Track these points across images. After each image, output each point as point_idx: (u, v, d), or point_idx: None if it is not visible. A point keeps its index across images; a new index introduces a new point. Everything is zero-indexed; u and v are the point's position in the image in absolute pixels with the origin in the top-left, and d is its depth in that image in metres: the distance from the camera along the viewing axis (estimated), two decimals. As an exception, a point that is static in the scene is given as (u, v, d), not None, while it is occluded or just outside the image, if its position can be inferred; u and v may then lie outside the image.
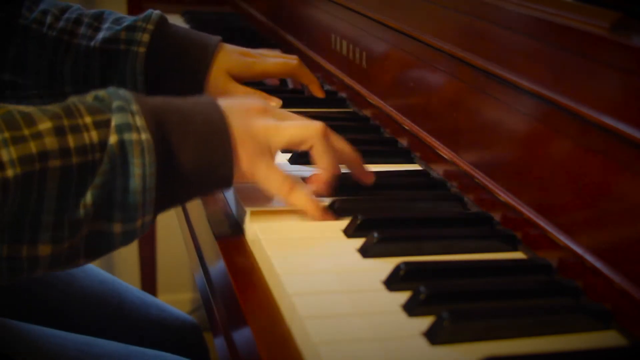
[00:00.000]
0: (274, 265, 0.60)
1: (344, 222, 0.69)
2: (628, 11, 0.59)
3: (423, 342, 0.51)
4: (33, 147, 0.56)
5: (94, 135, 0.59)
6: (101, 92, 0.63)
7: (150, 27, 0.95)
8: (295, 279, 0.58)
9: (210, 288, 0.68)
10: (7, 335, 0.83)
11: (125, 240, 0.63)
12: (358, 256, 0.63)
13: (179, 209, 0.90)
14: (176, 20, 1.63)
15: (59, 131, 0.58)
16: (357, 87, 1.04)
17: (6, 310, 0.92)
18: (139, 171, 0.60)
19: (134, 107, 0.62)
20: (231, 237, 0.70)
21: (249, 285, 0.61)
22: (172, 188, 0.64)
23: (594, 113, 0.58)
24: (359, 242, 0.65)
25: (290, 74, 1.02)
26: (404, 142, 0.91)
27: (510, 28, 0.70)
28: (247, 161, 0.67)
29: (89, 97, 0.63)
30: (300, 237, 0.67)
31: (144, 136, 0.60)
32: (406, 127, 0.89)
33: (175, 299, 1.93)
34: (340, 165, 0.73)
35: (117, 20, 0.97)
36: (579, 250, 0.59)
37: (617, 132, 0.56)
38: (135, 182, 0.60)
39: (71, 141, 0.58)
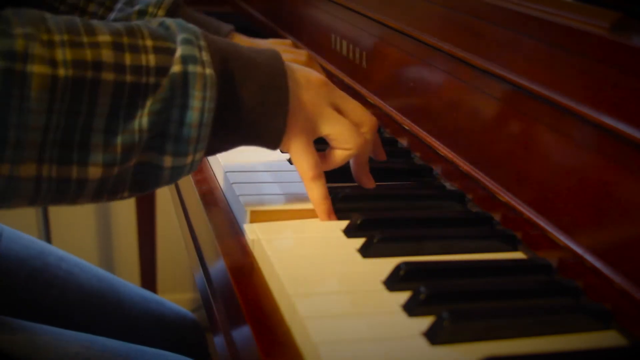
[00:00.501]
0: (274, 265, 0.60)
1: (344, 222, 0.69)
2: (628, 11, 0.59)
3: (423, 342, 0.51)
4: (89, 54, 0.56)
5: (152, 59, 0.59)
6: (169, 21, 0.63)
7: (161, 13, 0.95)
8: (295, 279, 0.58)
9: (210, 288, 0.68)
10: (6, 333, 0.83)
11: (173, 176, 0.62)
12: (358, 256, 0.63)
13: (179, 208, 0.90)
14: (176, 20, 1.62)
15: (117, 46, 0.57)
16: (357, 87, 1.04)
17: (5, 308, 0.92)
18: (199, 104, 0.60)
19: (202, 42, 0.61)
20: (231, 237, 0.70)
21: (248, 285, 0.61)
22: (226, 129, 0.64)
23: (593, 113, 0.58)
24: (359, 242, 0.65)
25: None
26: (404, 142, 0.91)
27: (511, 28, 0.70)
28: (290, 131, 0.67)
29: (155, 23, 0.63)
30: (301, 237, 0.67)
31: (208, 71, 0.60)
32: (406, 127, 0.89)
33: (175, 298, 1.92)
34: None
35: (130, 2, 0.96)
36: (579, 250, 0.59)
37: (617, 132, 0.56)
38: (194, 114, 0.60)
39: (128, 59, 0.58)
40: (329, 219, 0.70)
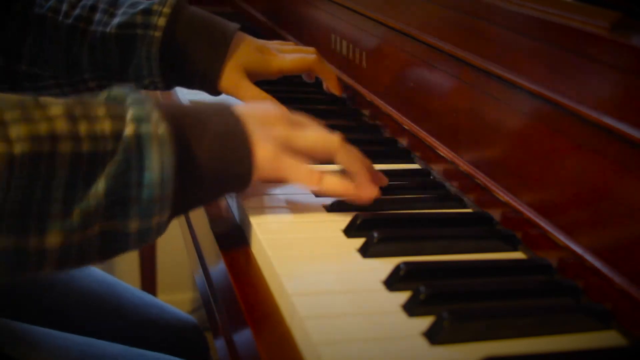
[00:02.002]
0: (274, 265, 0.60)
1: (344, 223, 0.68)
2: (628, 11, 0.59)
3: (423, 342, 0.51)
4: (43, 128, 0.55)
5: (107, 126, 0.58)
6: (114, 91, 0.62)
7: (166, 10, 0.93)
8: (295, 279, 0.58)
9: (210, 288, 0.68)
10: (8, 336, 0.83)
11: (141, 240, 0.61)
12: (358, 256, 0.63)
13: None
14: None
15: (70, 117, 0.57)
16: (357, 87, 1.04)
17: (7, 311, 0.92)
18: (157, 164, 0.58)
19: (149, 103, 0.61)
20: (231, 237, 0.70)
21: (249, 285, 0.61)
22: (189, 185, 0.62)
23: (594, 113, 0.58)
24: (359, 242, 0.65)
25: (307, 69, 0.99)
26: (404, 142, 0.91)
27: (511, 28, 0.70)
28: (270, 159, 0.66)
29: (102, 95, 0.62)
30: (301, 237, 0.67)
31: (162, 129, 0.59)
32: (406, 127, 0.89)
33: (175, 299, 1.93)
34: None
35: (132, 5, 0.95)
36: (579, 250, 0.59)
37: (617, 132, 0.56)
38: (153, 174, 0.58)
39: (83, 128, 0.57)
40: (366, 195, 0.69)
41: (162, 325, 1.04)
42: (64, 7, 0.95)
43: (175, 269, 2.14)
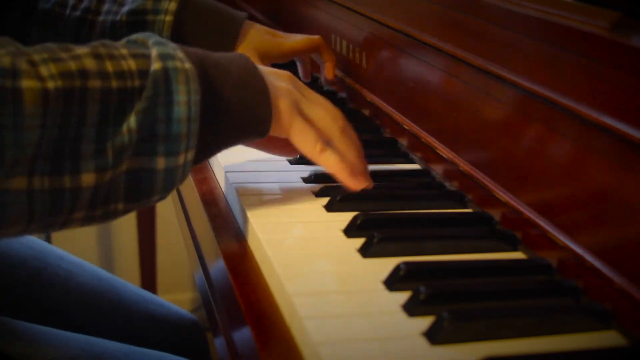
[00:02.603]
0: (274, 265, 0.60)
1: (344, 223, 0.69)
2: (628, 11, 0.59)
3: (423, 342, 0.51)
4: (72, 65, 0.56)
5: (132, 63, 0.59)
6: (135, 36, 0.63)
7: None
8: (295, 279, 0.58)
9: (210, 288, 0.68)
10: (6, 334, 0.83)
11: (167, 180, 0.61)
12: (358, 256, 0.63)
13: (179, 208, 0.90)
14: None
15: (96, 56, 0.57)
16: (357, 87, 1.04)
17: (6, 309, 0.92)
18: (184, 98, 0.59)
19: (172, 44, 0.62)
20: (231, 237, 0.70)
21: (249, 285, 0.61)
22: (214, 123, 0.63)
23: (594, 113, 0.58)
24: (359, 242, 0.65)
25: (315, 48, 1.03)
26: (404, 142, 0.91)
27: (511, 28, 0.70)
28: (287, 112, 0.67)
29: (123, 41, 0.63)
30: (301, 237, 0.67)
31: (188, 65, 0.60)
32: (406, 127, 0.89)
33: (175, 299, 1.93)
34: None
35: None
36: (579, 250, 0.59)
37: (617, 132, 0.56)
38: (181, 109, 0.59)
39: (109, 66, 0.57)
40: (357, 183, 0.70)
41: (162, 322, 1.05)
42: (71, 0, 0.96)
43: (175, 269, 2.14)
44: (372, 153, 0.86)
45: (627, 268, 0.55)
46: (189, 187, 0.84)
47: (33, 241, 1.04)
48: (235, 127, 0.65)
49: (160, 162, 0.60)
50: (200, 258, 0.74)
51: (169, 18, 0.93)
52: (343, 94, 1.11)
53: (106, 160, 0.57)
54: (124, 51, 0.59)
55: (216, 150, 0.67)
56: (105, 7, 0.95)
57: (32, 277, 0.99)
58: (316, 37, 1.03)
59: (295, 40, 1.00)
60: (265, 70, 0.69)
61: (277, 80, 0.69)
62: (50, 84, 0.54)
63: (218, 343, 0.64)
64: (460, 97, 0.79)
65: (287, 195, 0.74)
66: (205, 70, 0.62)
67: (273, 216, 0.70)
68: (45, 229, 0.58)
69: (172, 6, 0.93)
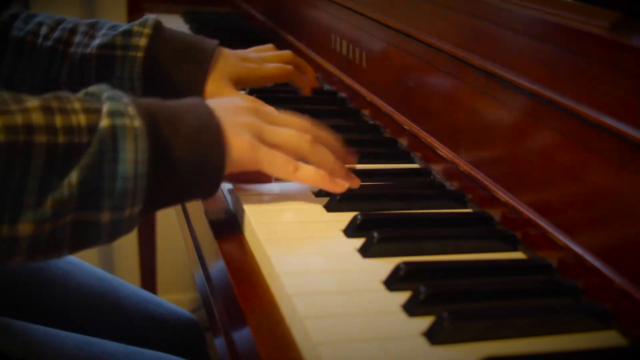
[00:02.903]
0: (274, 265, 0.60)
1: (344, 223, 0.69)
2: (628, 11, 0.59)
3: (423, 342, 0.51)
4: (19, 119, 0.56)
5: (82, 118, 0.59)
6: (91, 88, 0.64)
7: (147, 31, 0.94)
8: (295, 279, 0.58)
9: (210, 288, 0.68)
10: (4, 334, 0.83)
11: (113, 232, 0.62)
12: (358, 256, 0.63)
13: (179, 208, 0.90)
14: (176, 20, 1.63)
15: (46, 110, 0.58)
16: (357, 87, 1.04)
17: (5, 309, 0.92)
18: (131, 156, 0.60)
19: (126, 99, 0.62)
20: (231, 237, 0.70)
21: (249, 285, 0.61)
22: (164, 180, 0.63)
23: (594, 113, 0.58)
24: (359, 242, 0.65)
25: (287, 79, 1.04)
26: (404, 142, 0.91)
27: (511, 28, 0.70)
28: (246, 149, 0.67)
29: (80, 93, 0.64)
30: (300, 237, 0.67)
31: (137, 123, 0.61)
32: (406, 127, 0.89)
33: (175, 299, 1.93)
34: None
35: (112, 27, 0.96)
36: (579, 250, 0.59)
37: (617, 132, 0.56)
38: (127, 167, 0.60)
39: (58, 120, 0.58)
40: (339, 186, 0.71)
41: (161, 322, 1.05)
42: (43, 30, 0.96)
43: (175, 269, 2.14)
44: (372, 153, 0.86)
45: (627, 268, 0.55)
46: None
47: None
48: (188, 180, 0.65)
49: (106, 216, 0.61)
50: (200, 258, 0.74)
51: (140, 54, 0.93)
52: (343, 94, 1.11)
53: (44, 212, 0.58)
54: (77, 105, 0.60)
55: (169, 204, 0.67)
56: (77, 38, 0.95)
57: (31, 277, 0.99)
58: (288, 67, 1.02)
59: (268, 69, 1.01)
60: (225, 106, 0.70)
61: (237, 115, 0.69)
62: None
63: (218, 343, 0.64)
64: (460, 97, 0.79)
65: (287, 196, 0.74)
66: (156, 127, 0.63)
67: (273, 217, 0.70)
68: None
69: (143, 42, 0.94)
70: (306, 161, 0.72)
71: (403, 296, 0.56)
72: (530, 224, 0.65)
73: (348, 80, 1.08)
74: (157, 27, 0.95)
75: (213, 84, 0.96)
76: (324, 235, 0.67)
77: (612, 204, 0.57)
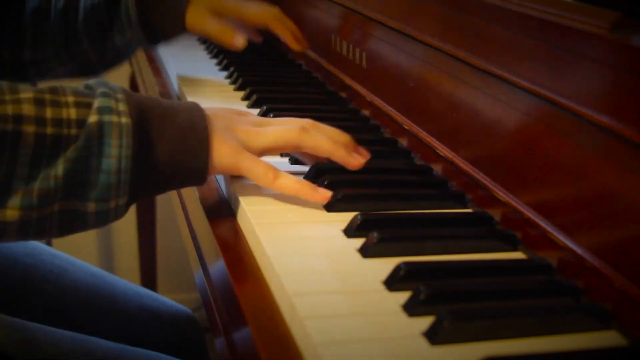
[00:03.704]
0: (274, 265, 0.60)
1: (344, 223, 0.69)
2: (628, 11, 0.59)
3: (423, 342, 0.51)
4: (9, 109, 0.60)
5: (73, 112, 0.63)
6: (91, 81, 0.67)
7: None
8: (295, 279, 0.58)
9: (210, 288, 0.68)
10: (1, 331, 0.83)
11: (99, 220, 0.65)
12: (358, 256, 0.63)
13: (179, 208, 0.90)
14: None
15: (38, 102, 0.62)
16: (357, 87, 1.04)
17: (0, 307, 0.92)
18: (116, 152, 0.63)
19: (120, 95, 0.65)
20: (231, 237, 0.70)
21: (249, 285, 0.61)
22: (146, 175, 0.66)
23: (593, 113, 0.58)
24: (359, 242, 0.65)
25: (269, 23, 1.10)
26: (404, 142, 0.91)
27: (511, 28, 0.70)
28: (230, 155, 0.70)
29: (80, 85, 0.67)
30: (300, 237, 0.67)
31: (124, 120, 0.64)
32: (406, 127, 0.89)
33: (175, 298, 1.92)
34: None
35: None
36: (579, 250, 0.59)
37: (617, 132, 0.56)
38: (111, 162, 0.63)
39: (49, 112, 0.62)
40: (318, 196, 0.71)
41: (158, 318, 1.05)
42: None
43: (175, 268, 2.14)
44: (372, 153, 0.86)
45: (627, 268, 0.55)
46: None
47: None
48: (169, 177, 0.68)
49: (91, 206, 0.64)
50: (200, 258, 0.74)
51: None
52: (343, 94, 1.11)
53: (31, 200, 0.61)
54: (70, 99, 0.63)
55: (151, 195, 0.70)
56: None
57: (25, 274, 0.99)
58: (273, 9, 1.08)
59: (249, 8, 1.08)
60: (221, 114, 0.72)
61: (229, 122, 0.72)
62: None
63: (218, 343, 0.64)
64: (460, 97, 0.79)
65: (287, 195, 0.74)
66: (145, 122, 0.66)
67: (273, 217, 0.70)
68: None
69: None
70: (303, 150, 0.74)
71: (403, 296, 0.57)
72: (530, 224, 0.65)
73: (348, 81, 1.08)
74: None
75: (192, 14, 1.06)
76: (324, 235, 0.67)
77: (612, 204, 0.57)
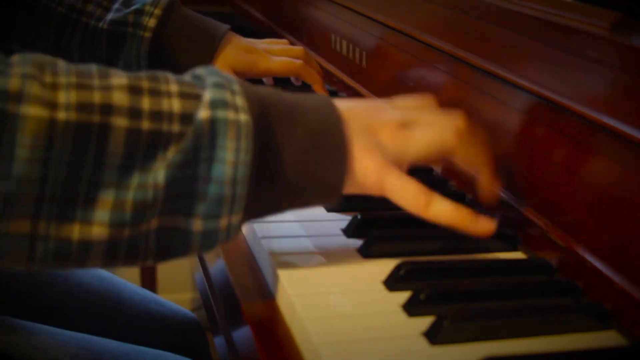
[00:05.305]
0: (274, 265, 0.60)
1: (344, 222, 0.68)
2: (628, 11, 0.59)
3: (423, 342, 0.51)
4: (97, 96, 0.48)
5: (176, 104, 0.51)
6: (198, 70, 0.55)
7: (157, 12, 0.93)
8: (295, 279, 0.58)
9: (210, 288, 0.68)
10: (5, 333, 0.83)
11: (205, 243, 0.53)
12: (358, 256, 0.63)
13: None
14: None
15: (133, 90, 0.50)
16: (357, 87, 1.04)
17: (6, 308, 0.92)
18: (231, 157, 0.51)
19: (236, 87, 0.53)
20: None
21: (248, 284, 0.61)
22: (266, 188, 0.54)
23: (593, 113, 0.58)
24: (359, 242, 0.65)
25: (294, 73, 1.00)
26: (404, 142, 0.91)
27: (511, 28, 0.70)
28: (374, 171, 0.57)
29: (187, 75, 0.55)
30: (300, 237, 0.67)
31: (243, 117, 0.51)
32: (406, 127, 0.89)
33: (176, 298, 1.93)
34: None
35: (126, 2, 0.96)
36: (579, 250, 0.59)
37: (617, 132, 0.56)
38: (225, 169, 0.51)
39: (146, 103, 0.50)
40: (485, 229, 0.60)
41: (162, 322, 1.05)
42: None
43: (175, 269, 2.14)
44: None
45: (627, 268, 0.55)
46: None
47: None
48: (295, 192, 0.56)
49: (197, 224, 0.52)
50: (200, 258, 0.74)
51: (147, 34, 0.92)
52: (343, 94, 1.11)
53: (123, 215, 0.49)
54: (174, 88, 0.51)
55: (271, 213, 0.57)
56: (90, 8, 0.95)
57: (32, 275, 0.99)
58: (296, 62, 0.98)
59: (273, 62, 0.98)
60: (357, 110, 0.59)
61: (366, 127, 0.58)
62: (61, 115, 0.47)
63: (218, 343, 0.64)
64: (460, 97, 0.79)
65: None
66: (267, 121, 0.54)
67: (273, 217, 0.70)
68: (54, 269, 0.53)
69: (152, 23, 0.93)
70: (455, 161, 0.63)
71: (403, 296, 0.56)
72: (530, 224, 0.65)
73: (348, 81, 1.07)
74: (168, 8, 0.94)
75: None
76: (323, 234, 0.67)
77: (612, 204, 0.57)
